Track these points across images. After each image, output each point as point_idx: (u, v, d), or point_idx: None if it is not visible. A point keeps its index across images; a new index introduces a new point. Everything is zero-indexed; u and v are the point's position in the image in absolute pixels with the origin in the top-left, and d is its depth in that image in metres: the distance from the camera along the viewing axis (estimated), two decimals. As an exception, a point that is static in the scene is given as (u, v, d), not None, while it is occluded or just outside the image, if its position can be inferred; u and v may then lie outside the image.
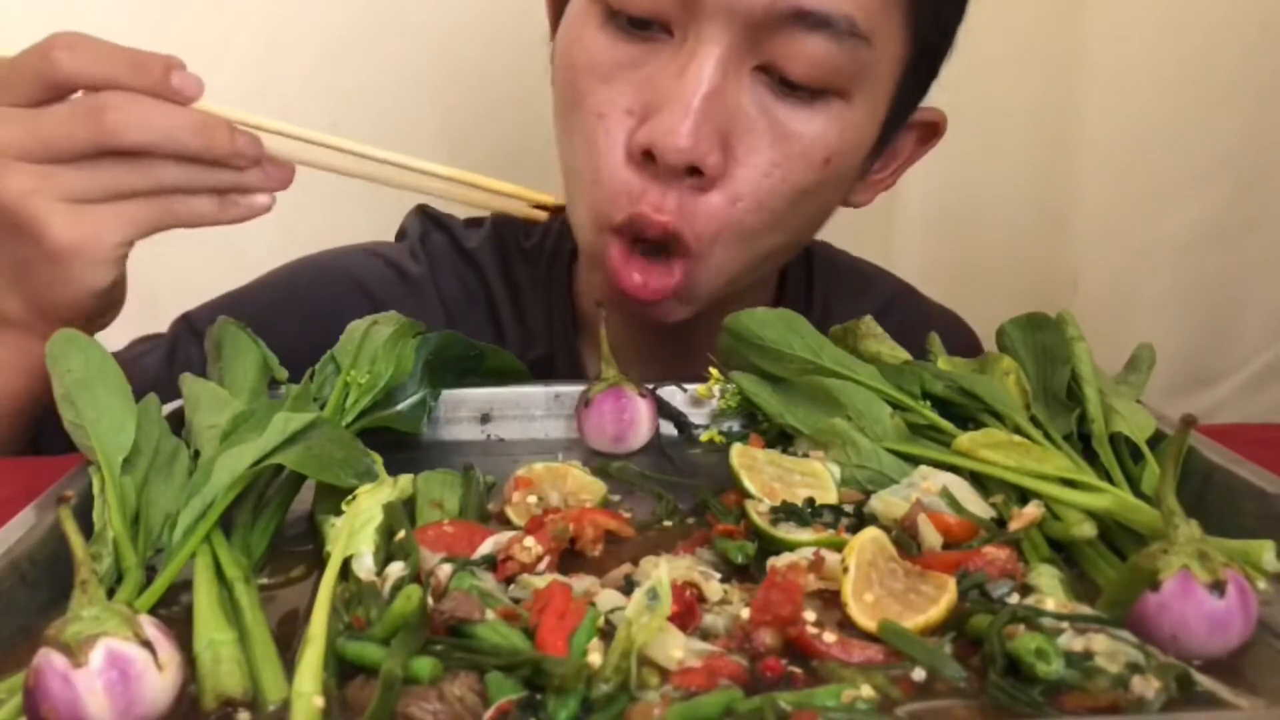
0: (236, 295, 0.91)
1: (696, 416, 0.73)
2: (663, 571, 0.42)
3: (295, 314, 0.85)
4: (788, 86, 0.67)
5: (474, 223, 0.94)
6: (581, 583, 0.48)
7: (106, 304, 0.66)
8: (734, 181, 0.69)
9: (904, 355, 0.70)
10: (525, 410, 0.73)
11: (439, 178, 0.71)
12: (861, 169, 0.77)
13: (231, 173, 0.63)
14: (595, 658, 0.40)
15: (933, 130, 0.82)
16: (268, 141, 0.64)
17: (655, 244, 0.71)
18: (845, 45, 0.66)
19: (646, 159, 0.67)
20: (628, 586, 0.48)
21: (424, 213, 0.95)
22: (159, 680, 0.40)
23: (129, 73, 0.60)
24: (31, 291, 0.64)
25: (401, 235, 0.96)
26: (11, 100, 0.60)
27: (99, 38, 0.61)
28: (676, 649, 0.42)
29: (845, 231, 1.02)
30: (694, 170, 0.67)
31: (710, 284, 0.74)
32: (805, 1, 0.64)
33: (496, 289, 0.89)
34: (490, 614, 0.44)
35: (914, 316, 0.97)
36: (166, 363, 0.84)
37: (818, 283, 0.94)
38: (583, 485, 0.60)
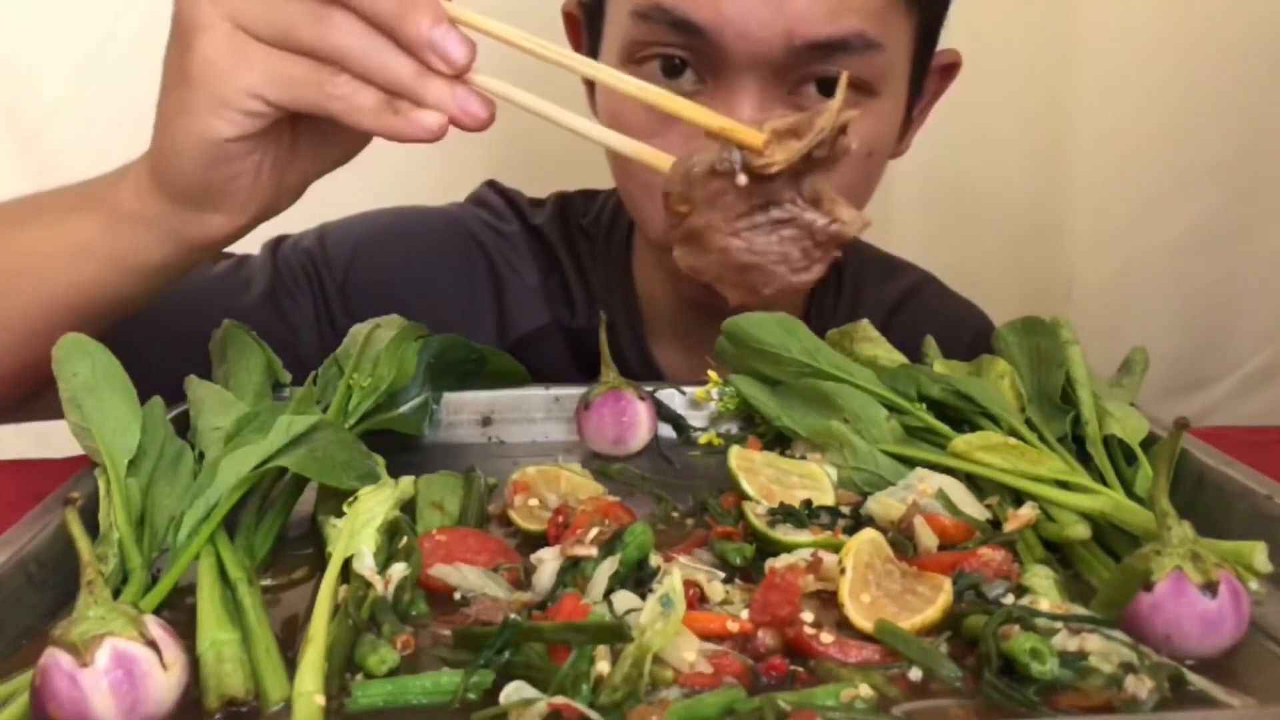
0: (349, 223, 0.93)
1: (695, 419, 0.73)
2: (675, 579, 0.42)
3: (408, 247, 0.90)
4: (822, 98, 0.72)
5: (536, 202, 0.98)
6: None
7: (206, 187, 0.57)
8: None
9: (900, 359, 0.71)
10: (526, 413, 0.73)
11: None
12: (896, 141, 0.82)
13: (413, 71, 0.51)
14: (604, 665, 0.41)
15: (952, 69, 0.86)
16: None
17: None
18: (864, 56, 0.71)
19: None
20: (639, 587, 0.48)
21: (495, 186, 0.99)
22: (164, 680, 0.40)
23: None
24: (160, 120, 0.57)
25: (476, 202, 0.98)
26: None
27: None
28: (689, 652, 0.42)
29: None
30: None
31: None
32: (818, 34, 0.69)
33: (564, 261, 0.94)
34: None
35: (938, 304, 1.00)
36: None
37: (848, 265, 0.98)
38: (577, 486, 0.60)
